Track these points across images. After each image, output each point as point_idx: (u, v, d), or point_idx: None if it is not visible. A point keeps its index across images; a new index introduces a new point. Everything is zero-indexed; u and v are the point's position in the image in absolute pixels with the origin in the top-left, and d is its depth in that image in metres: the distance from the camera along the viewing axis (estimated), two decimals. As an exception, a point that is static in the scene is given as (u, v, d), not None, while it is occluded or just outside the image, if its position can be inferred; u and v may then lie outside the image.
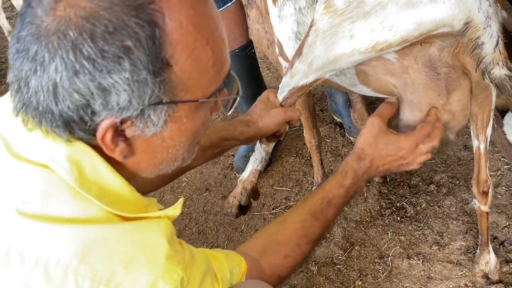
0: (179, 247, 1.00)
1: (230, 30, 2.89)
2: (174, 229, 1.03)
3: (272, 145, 2.05)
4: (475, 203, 2.02)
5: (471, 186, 2.00)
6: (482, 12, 1.48)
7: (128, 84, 0.88)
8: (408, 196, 2.60)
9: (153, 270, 0.92)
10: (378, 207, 2.60)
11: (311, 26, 1.66)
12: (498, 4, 1.53)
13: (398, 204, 2.59)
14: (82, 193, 0.93)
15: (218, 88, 1.02)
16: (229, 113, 1.20)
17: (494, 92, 1.78)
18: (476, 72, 1.59)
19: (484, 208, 2.01)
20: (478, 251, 2.13)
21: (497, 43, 1.53)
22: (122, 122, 0.91)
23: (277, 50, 2.30)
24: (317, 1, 1.86)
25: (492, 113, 1.86)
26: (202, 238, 2.66)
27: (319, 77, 1.71)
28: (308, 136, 2.54)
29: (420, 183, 2.65)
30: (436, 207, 2.51)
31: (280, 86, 1.79)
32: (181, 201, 1.07)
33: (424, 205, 2.53)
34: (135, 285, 0.90)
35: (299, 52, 1.72)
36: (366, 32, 1.53)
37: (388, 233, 2.45)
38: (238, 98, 1.20)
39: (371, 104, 3.12)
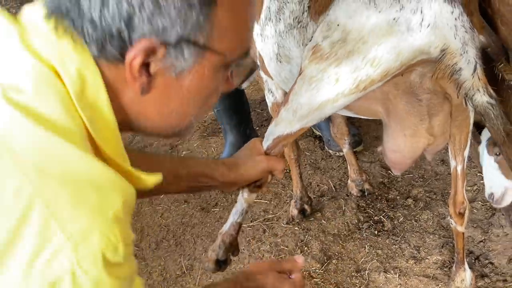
0: (128, 227, 0.92)
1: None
2: (133, 207, 0.94)
3: (254, 196, 2.01)
4: (451, 223, 2.04)
5: (449, 207, 2.01)
6: (458, 39, 1.49)
7: (180, 3, 0.85)
8: (386, 210, 2.62)
9: (95, 219, 0.84)
10: (356, 221, 2.60)
11: (299, 74, 1.67)
12: (475, 30, 1.55)
13: (375, 218, 2.59)
14: (75, 107, 0.87)
15: (241, 56, 0.98)
16: (245, 86, 1.17)
17: (472, 114, 1.80)
18: (458, 97, 1.62)
19: (460, 228, 2.03)
20: (454, 268, 2.14)
21: (475, 69, 1.55)
22: (156, 48, 0.87)
23: (258, 63, 2.31)
24: (295, 27, 1.88)
25: (470, 134, 1.88)
26: (180, 250, 2.64)
27: (304, 126, 1.70)
28: (287, 149, 2.55)
29: (398, 197, 2.66)
30: (413, 221, 2.52)
31: (265, 134, 1.77)
32: (159, 177, 1.01)
33: (401, 219, 2.54)
34: (72, 224, 0.82)
35: (285, 101, 1.72)
36: (349, 72, 1.54)
37: (365, 247, 2.46)
38: (254, 74, 1.17)
39: (351, 118, 3.14)
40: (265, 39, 2.11)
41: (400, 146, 1.82)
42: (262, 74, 2.31)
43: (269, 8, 2.04)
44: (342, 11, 1.56)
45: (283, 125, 1.71)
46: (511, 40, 1.54)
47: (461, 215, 1.99)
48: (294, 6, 1.90)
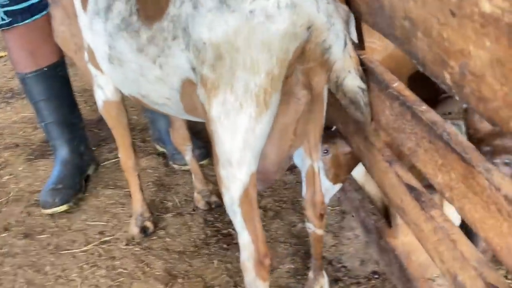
0: None
1: (38, 46, 2.58)
2: None
3: None
4: (309, 227, 1.89)
5: (304, 209, 1.87)
6: (322, 12, 1.39)
7: None
8: (235, 223, 2.43)
9: None
10: (204, 236, 2.38)
11: (208, 121, 1.50)
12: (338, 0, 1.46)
13: (224, 231, 2.40)
14: None
15: None
16: None
17: (325, 106, 1.69)
18: (328, 84, 1.52)
19: (320, 232, 1.89)
20: (311, 275, 1.98)
21: (345, 44, 1.45)
22: None
23: (86, 56, 2.04)
24: (124, 30, 1.68)
25: (323, 128, 1.76)
26: (-4, 284, 2.22)
27: (251, 171, 1.52)
28: (123, 156, 2.27)
29: (247, 209, 2.49)
30: (264, 231, 2.35)
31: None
32: None
33: (251, 230, 2.37)
34: None
35: (215, 160, 1.54)
36: (244, 91, 1.40)
37: (214, 262, 2.24)
38: None
39: (197, 130, 2.96)
40: (95, 35, 1.86)
41: (268, 152, 1.64)
42: (91, 67, 2.04)
43: (97, 1, 1.80)
44: (201, 26, 1.41)
45: (236, 185, 1.51)
46: (364, 12, 1.46)
47: (321, 216, 1.85)
48: (121, 5, 1.69)
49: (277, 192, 2.57)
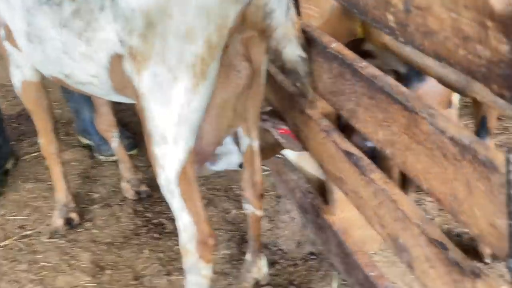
0: None
1: None
2: None
3: None
4: (247, 209, 1.83)
5: (243, 190, 1.80)
6: None
7: None
8: (167, 212, 2.33)
9: None
10: (133, 226, 2.27)
11: (138, 98, 1.40)
12: None
13: (155, 221, 2.30)
14: None
15: None
16: None
17: (264, 80, 1.63)
18: (267, 53, 1.45)
19: (259, 212, 1.83)
20: (249, 258, 1.91)
21: (288, 8, 1.39)
22: None
23: (3, 32, 1.90)
24: (45, 3, 1.56)
25: (261, 105, 1.71)
26: None
27: (188, 150, 1.43)
28: (44, 141, 2.13)
29: (179, 198, 2.41)
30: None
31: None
32: None
33: (184, 219, 2.28)
34: None
35: (147, 136, 1.44)
36: (178, 61, 1.31)
37: (144, 252, 2.13)
38: None
39: (125, 121, 2.86)
40: (12, 10, 1.73)
41: (205, 130, 1.56)
42: (7, 45, 1.90)
43: None
44: None
45: (172, 163, 1.42)
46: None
47: (261, 196, 1.79)
48: None
49: (210, 180, 2.49)
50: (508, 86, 0.74)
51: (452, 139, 0.95)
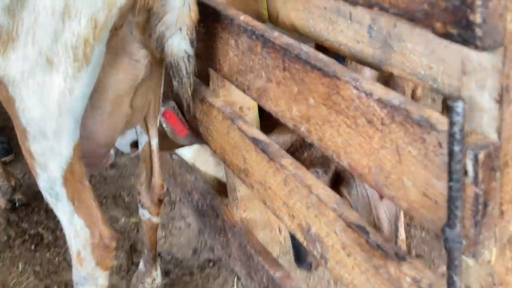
0: None
1: None
2: None
3: None
4: (143, 215, 1.65)
5: (139, 194, 1.63)
6: None
7: None
8: (45, 222, 2.09)
9: None
10: (6, 238, 2.00)
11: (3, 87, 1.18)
12: None
13: (32, 232, 2.04)
14: None
15: None
16: None
17: (163, 71, 1.46)
18: (152, 38, 1.25)
19: (156, 220, 1.66)
20: (142, 267, 1.73)
21: None
22: None
23: None
24: None
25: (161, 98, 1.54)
26: None
27: (73, 145, 1.23)
28: None
29: (60, 207, 2.16)
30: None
31: None
32: None
33: (65, 229, 2.04)
34: None
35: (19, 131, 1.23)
36: (53, 41, 1.11)
37: (18, 265, 1.87)
38: None
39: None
40: None
41: (95, 130, 1.35)
42: None
43: None
44: None
45: (56, 161, 1.22)
46: None
47: (159, 202, 1.62)
48: None
49: (97, 187, 2.27)
50: (455, 21, 0.66)
51: (380, 101, 0.86)
